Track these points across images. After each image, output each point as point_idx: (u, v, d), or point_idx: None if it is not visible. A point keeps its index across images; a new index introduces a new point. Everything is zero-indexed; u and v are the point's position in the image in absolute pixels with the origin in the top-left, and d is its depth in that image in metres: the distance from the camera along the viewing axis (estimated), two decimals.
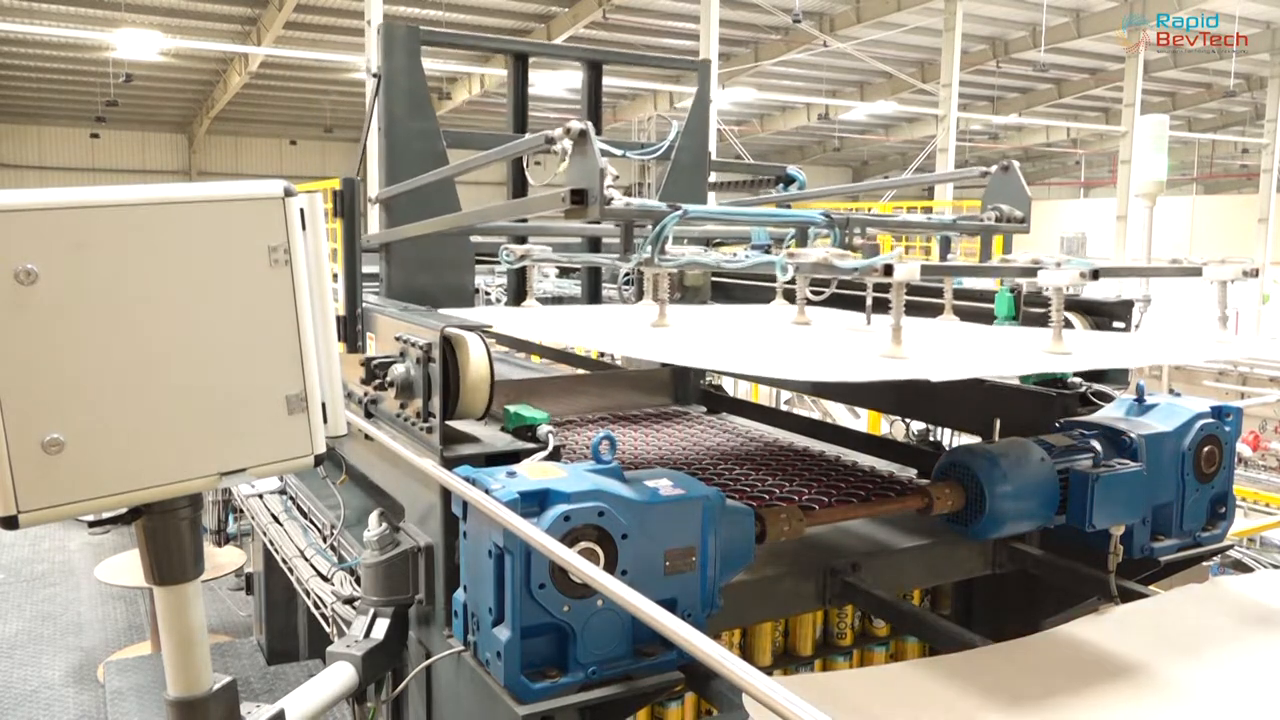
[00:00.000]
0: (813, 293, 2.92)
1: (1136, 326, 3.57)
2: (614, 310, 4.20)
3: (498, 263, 4.15)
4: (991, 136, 30.00)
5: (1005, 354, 2.74)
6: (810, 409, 8.66)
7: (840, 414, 8.70)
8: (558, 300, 6.79)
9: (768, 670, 3.11)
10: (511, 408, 2.69)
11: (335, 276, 3.06)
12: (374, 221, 4.24)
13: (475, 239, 4.46)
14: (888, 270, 2.23)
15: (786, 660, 3.21)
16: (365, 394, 2.92)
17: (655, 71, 20.25)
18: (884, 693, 2.26)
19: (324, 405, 1.88)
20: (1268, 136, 22.69)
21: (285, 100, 24.53)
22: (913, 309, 2.83)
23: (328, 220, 2.95)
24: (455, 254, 4.18)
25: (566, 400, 4.27)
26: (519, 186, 4.43)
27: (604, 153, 2.58)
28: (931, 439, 4.14)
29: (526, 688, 2.05)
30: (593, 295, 4.85)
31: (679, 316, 3.04)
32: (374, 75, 4.13)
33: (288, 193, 1.81)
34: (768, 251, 3.63)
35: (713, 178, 5.20)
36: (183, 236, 1.71)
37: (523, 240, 4.20)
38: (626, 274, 4.62)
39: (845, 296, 3.37)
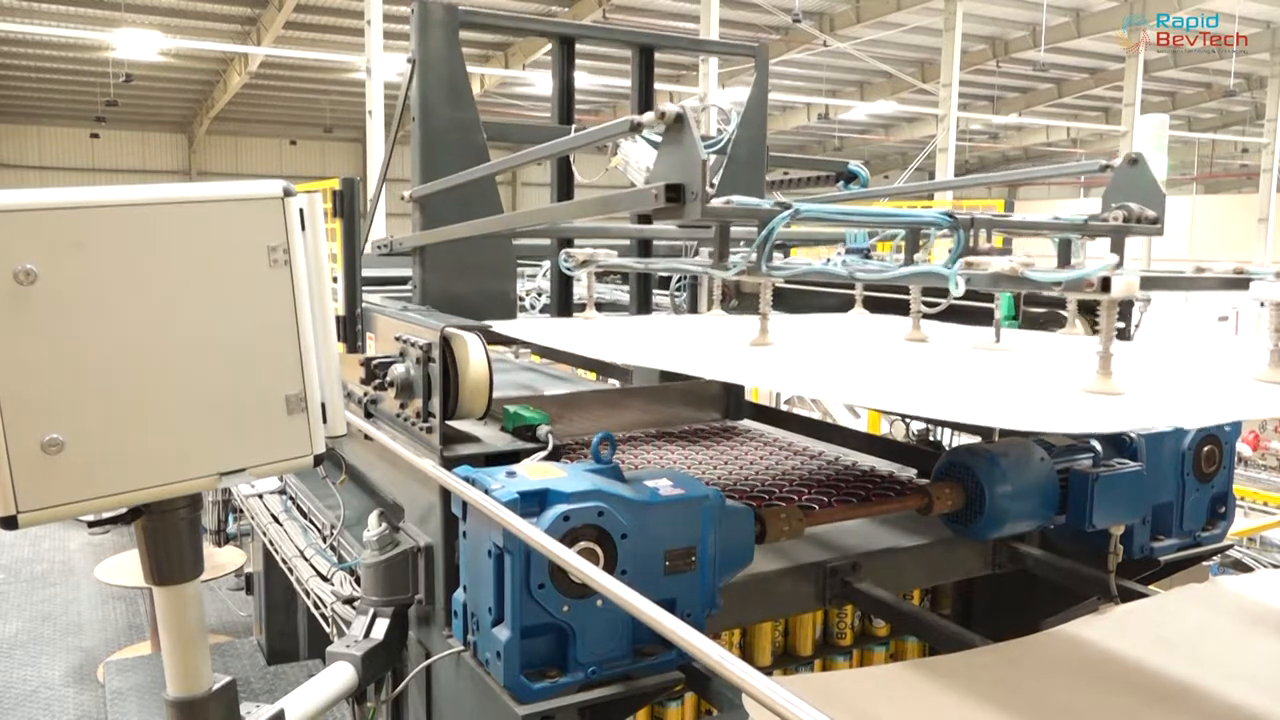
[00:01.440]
0: (926, 304, 2.66)
1: (1137, 327, 3.57)
2: (689, 323, 3.73)
3: (528, 265, 4.03)
4: (991, 136, 30.01)
5: (1226, 389, 2.11)
6: (810, 409, 8.66)
7: (840, 414, 8.69)
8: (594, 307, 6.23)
9: (768, 670, 3.11)
10: (511, 408, 2.69)
11: (335, 278, 3.06)
12: (378, 224, 4.18)
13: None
14: (1105, 285, 1.78)
15: (786, 660, 3.21)
16: (365, 394, 2.92)
17: (664, 70, 20.25)
18: (884, 693, 2.26)
19: (323, 405, 1.88)
20: (1268, 136, 22.69)
21: (285, 100, 24.54)
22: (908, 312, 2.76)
23: (327, 220, 2.95)
24: (497, 258, 3.87)
25: (610, 416, 3.94)
26: (564, 184, 4.14)
27: (658, 146, 2.49)
28: (931, 439, 4.14)
29: (526, 688, 2.05)
30: (642, 303, 4.48)
31: (772, 330, 2.68)
32: (409, 60, 3.79)
33: (287, 193, 1.81)
34: (867, 256, 3.34)
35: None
36: (182, 236, 1.71)
37: (568, 242, 3.86)
38: (680, 280, 4.37)
39: (893, 302, 3.25)
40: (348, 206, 3.09)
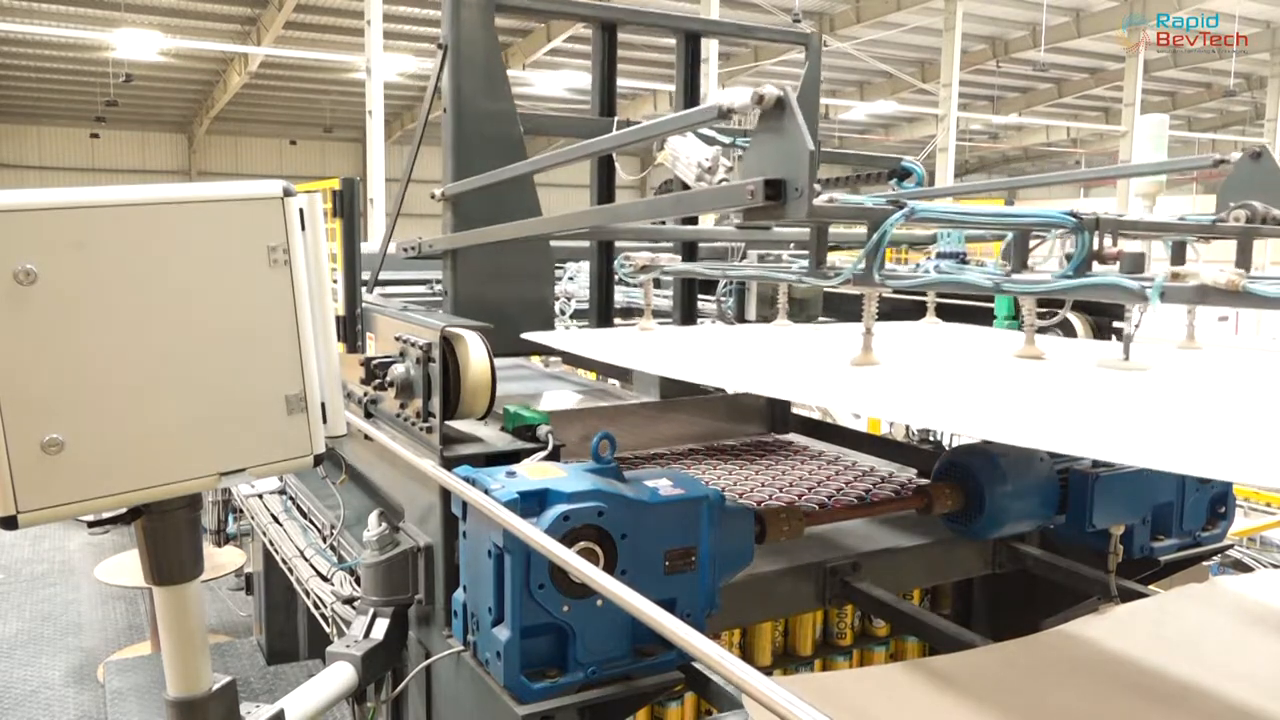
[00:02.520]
0: (1041, 315, 2.41)
1: (1136, 327, 3.56)
2: (760, 336, 3.33)
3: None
4: (991, 136, 30.01)
5: None
6: (810, 409, 8.64)
7: (840, 414, 8.68)
8: (624, 313, 5.63)
9: (767, 670, 3.11)
10: (511, 408, 2.69)
11: (335, 279, 3.06)
12: (375, 222, 4.07)
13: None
14: None
15: (786, 660, 3.21)
16: (365, 394, 2.91)
17: (664, 70, 20.22)
18: (883, 693, 2.26)
19: (323, 405, 1.88)
20: (1268, 136, 22.68)
21: (285, 100, 24.54)
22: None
23: (327, 220, 2.95)
24: (534, 263, 3.60)
25: (650, 430, 3.71)
26: (606, 182, 3.86)
27: (710, 140, 2.31)
28: (931, 439, 4.14)
29: (526, 688, 2.05)
30: (688, 310, 4.20)
31: (850, 341, 2.37)
32: (439, 46, 3.51)
33: (287, 193, 1.81)
34: (963, 260, 2.96)
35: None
36: (182, 236, 1.71)
37: (608, 245, 3.69)
38: (726, 286, 4.12)
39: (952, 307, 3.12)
40: (348, 206, 3.09)
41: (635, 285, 3.61)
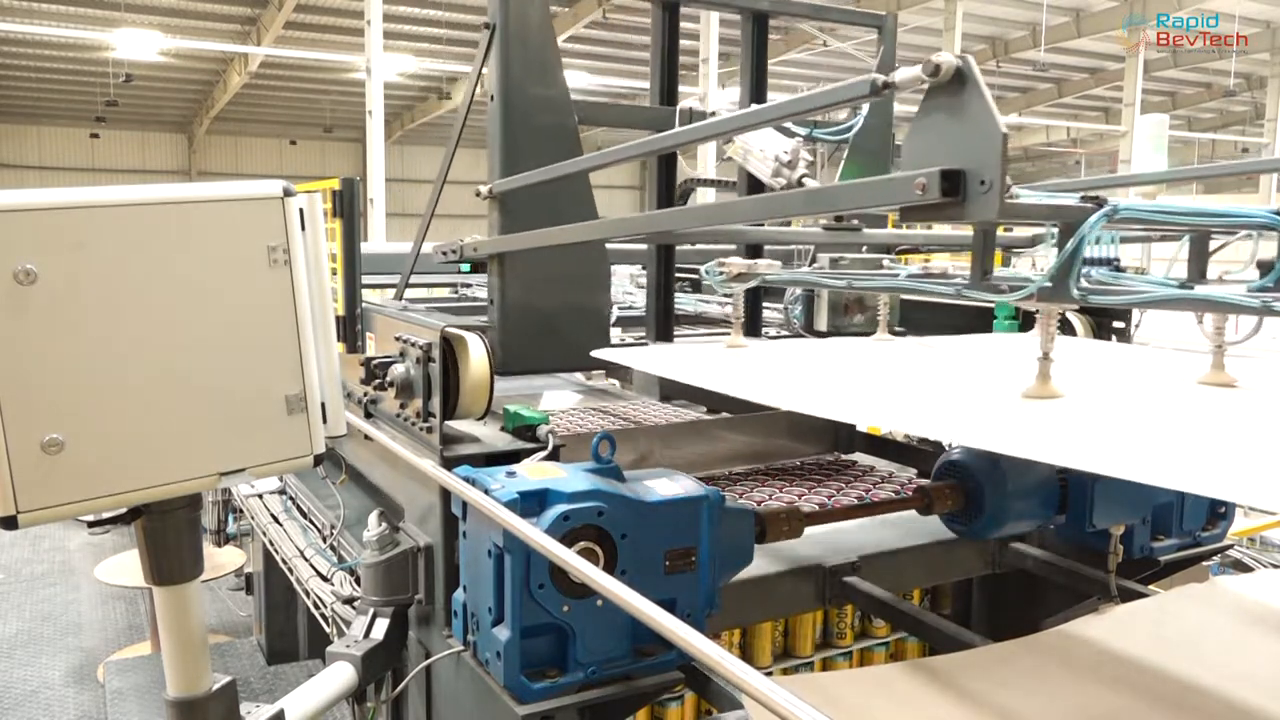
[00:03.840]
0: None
1: (1136, 326, 3.56)
2: (872, 352, 2.93)
3: None
4: None
5: None
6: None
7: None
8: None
9: (768, 670, 3.11)
10: (511, 408, 2.69)
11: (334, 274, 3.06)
12: (375, 222, 3.96)
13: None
14: None
15: (786, 660, 3.21)
16: (365, 394, 2.92)
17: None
18: (883, 693, 2.26)
19: (323, 405, 1.88)
20: (1268, 136, 22.69)
21: (285, 100, 24.55)
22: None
23: (327, 220, 2.95)
24: (589, 268, 3.30)
25: (707, 447, 3.38)
26: (667, 179, 3.55)
27: (786, 132, 2.18)
28: (932, 439, 4.13)
29: (526, 688, 2.05)
30: (753, 319, 3.85)
31: (980, 360, 2.10)
32: (485, 26, 3.25)
33: (287, 193, 1.81)
34: (1115, 267, 2.58)
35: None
36: (182, 236, 1.71)
37: (669, 249, 3.39)
38: (794, 294, 3.85)
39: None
40: (348, 206, 3.09)
41: (726, 295, 3.17)
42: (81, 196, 1.63)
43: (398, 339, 2.73)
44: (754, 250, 3.72)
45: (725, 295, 3.18)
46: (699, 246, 4.36)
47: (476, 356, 2.55)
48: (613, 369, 4.45)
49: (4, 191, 1.57)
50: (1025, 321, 3.69)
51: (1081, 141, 29.99)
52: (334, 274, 2.91)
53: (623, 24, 17.76)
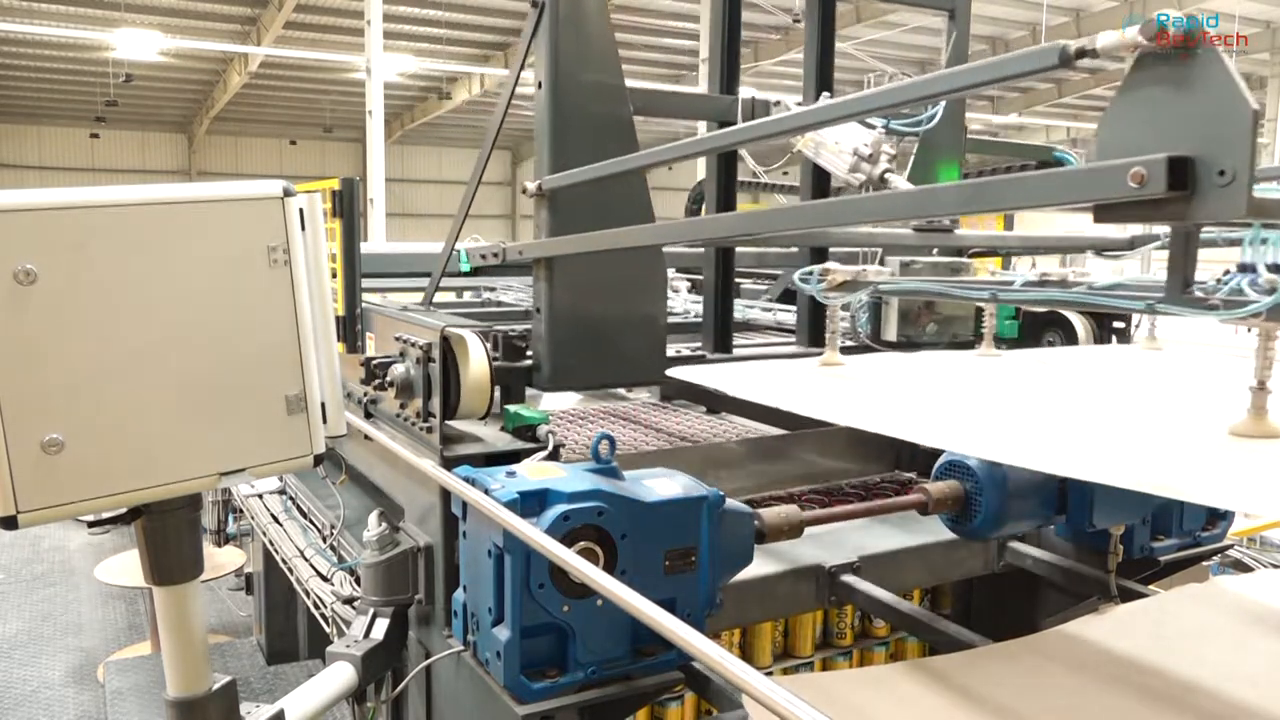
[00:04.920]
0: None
1: (1136, 326, 3.56)
2: (997, 371, 2.68)
3: None
4: (992, 136, 30.01)
5: None
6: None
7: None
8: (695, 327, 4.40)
9: (768, 670, 3.11)
10: (511, 407, 2.69)
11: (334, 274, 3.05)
12: (375, 223, 3.85)
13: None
14: None
15: (786, 660, 3.21)
16: (365, 394, 2.92)
17: (664, 71, 20.26)
18: (884, 693, 2.26)
19: (323, 405, 1.88)
20: (1268, 136, 22.69)
21: (285, 100, 24.54)
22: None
23: (327, 220, 2.95)
24: (646, 274, 3.05)
25: (768, 469, 3.21)
26: (727, 175, 3.25)
27: (866, 123, 2.00)
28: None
29: (526, 688, 2.05)
30: (815, 327, 3.51)
31: (1166, 387, 1.85)
32: (534, 4, 2.97)
33: (287, 193, 1.81)
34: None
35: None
36: (183, 236, 1.71)
37: (728, 252, 3.07)
38: (861, 301, 3.51)
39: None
40: (347, 206, 3.09)
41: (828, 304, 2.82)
42: (81, 196, 1.63)
43: (398, 339, 2.73)
44: (819, 254, 3.48)
45: (821, 302, 2.76)
46: (747, 249, 4.10)
47: (476, 356, 2.55)
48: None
49: (4, 191, 1.57)
50: (1028, 327, 3.59)
51: (1082, 141, 29.96)
52: (334, 274, 2.91)
53: (622, 24, 17.75)
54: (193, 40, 17.24)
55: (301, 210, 1.84)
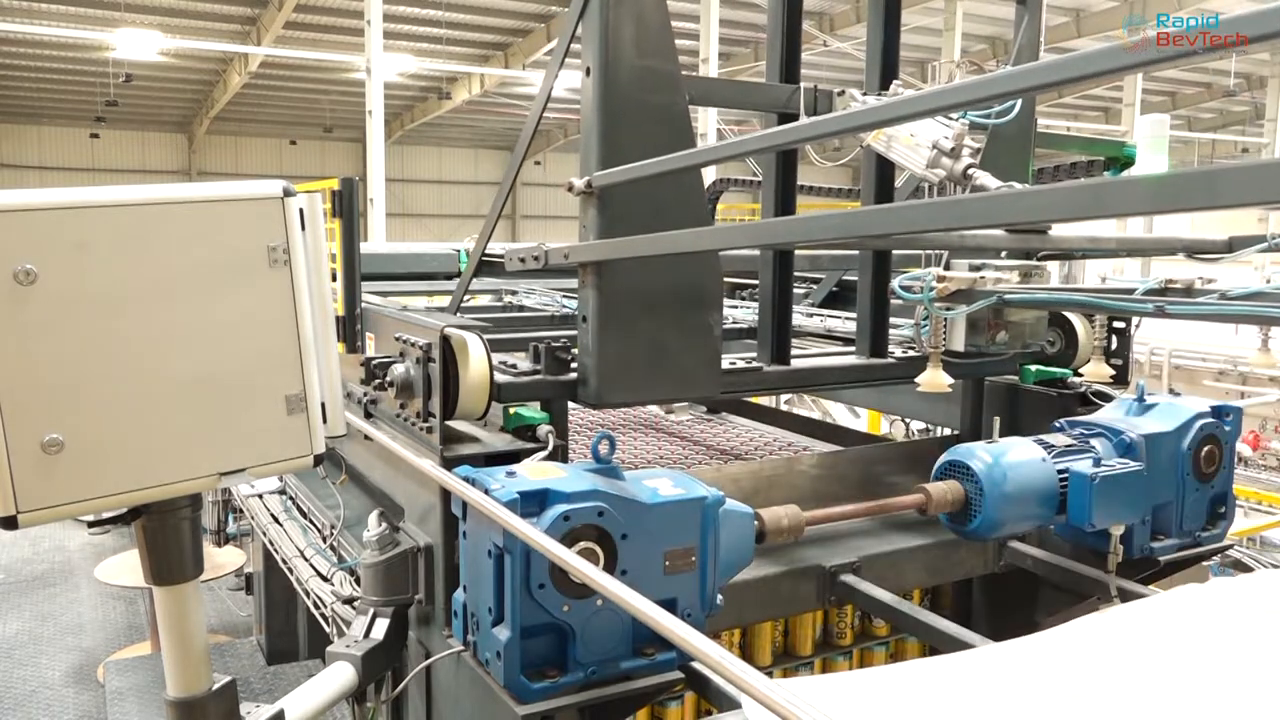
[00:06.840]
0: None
1: (1137, 326, 3.56)
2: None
3: None
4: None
5: None
6: (810, 409, 8.66)
7: (840, 414, 8.69)
8: (750, 332, 4.02)
9: (768, 670, 3.11)
10: (511, 408, 2.69)
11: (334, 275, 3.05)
12: (375, 223, 3.79)
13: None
14: None
15: (786, 660, 3.21)
16: (365, 394, 2.92)
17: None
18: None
19: (323, 405, 1.88)
20: (1268, 136, 22.68)
21: (285, 100, 24.52)
22: None
23: (327, 220, 2.95)
24: (703, 280, 2.77)
25: (818, 488, 3.15)
26: (786, 175, 2.99)
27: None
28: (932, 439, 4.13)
29: (526, 688, 2.05)
30: (878, 337, 3.23)
31: None
32: None
33: (287, 193, 1.81)
34: None
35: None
36: (183, 236, 1.71)
37: (787, 255, 2.84)
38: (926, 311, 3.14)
39: None
40: (347, 206, 3.09)
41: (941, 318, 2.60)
42: (81, 196, 1.63)
43: (397, 339, 2.73)
44: (879, 257, 3.23)
45: (942, 318, 2.53)
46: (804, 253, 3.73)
47: (476, 356, 2.55)
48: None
49: (4, 191, 1.57)
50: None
51: None
52: (334, 274, 2.91)
53: None
54: (193, 40, 17.22)
55: (301, 210, 1.84)
